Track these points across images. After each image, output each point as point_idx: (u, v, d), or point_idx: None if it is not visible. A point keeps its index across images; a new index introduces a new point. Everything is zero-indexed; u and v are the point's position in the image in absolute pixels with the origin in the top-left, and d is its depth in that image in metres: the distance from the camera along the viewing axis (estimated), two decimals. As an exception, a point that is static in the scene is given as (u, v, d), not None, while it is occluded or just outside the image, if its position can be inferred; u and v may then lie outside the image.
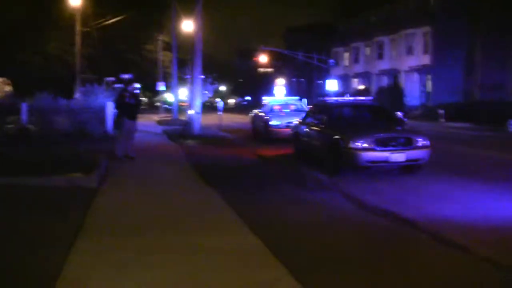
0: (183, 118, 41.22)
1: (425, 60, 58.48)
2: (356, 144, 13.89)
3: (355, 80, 73.60)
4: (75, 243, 7.47)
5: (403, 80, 60.37)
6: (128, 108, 17.30)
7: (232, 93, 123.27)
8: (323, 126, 16.20)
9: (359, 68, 72.79)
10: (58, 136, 20.98)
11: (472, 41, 53.89)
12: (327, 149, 15.11)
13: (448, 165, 16.50)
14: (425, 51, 58.97)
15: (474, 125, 38.09)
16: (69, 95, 32.77)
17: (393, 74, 62.90)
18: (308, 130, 17.32)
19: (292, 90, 76.97)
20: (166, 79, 57.17)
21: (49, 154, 14.68)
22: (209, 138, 25.57)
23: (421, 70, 59.42)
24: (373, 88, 63.39)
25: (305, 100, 29.52)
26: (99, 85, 29.34)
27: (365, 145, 13.90)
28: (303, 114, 20.16)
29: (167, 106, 69.24)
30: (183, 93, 55.64)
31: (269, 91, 57.90)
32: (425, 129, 23.91)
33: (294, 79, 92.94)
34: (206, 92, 38.74)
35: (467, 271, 6.62)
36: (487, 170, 15.60)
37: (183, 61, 46.86)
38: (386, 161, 14.02)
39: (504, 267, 6.64)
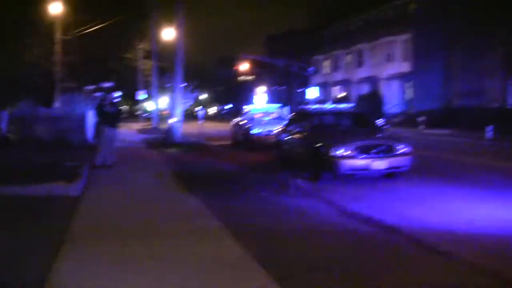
0: (164, 126, 41.17)
1: (405, 67, 58.86)
2: (338, 151, 13.93)
3: (335, 88, 73.88)
4: (60, 251, 7.42)
5: (383, 88, 60.74)
6: (109, 117, 17.26)
7: (213, 101, 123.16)
8: (305, 133, 16.24)
9: (339, 75, 73.10)
10: (39, 145, 20.86)
11: (450, 48, 54.30)
12: (309, 157, 15.15)
13: (430, 171, 16.57)
14: (405, 59, 59.38)
15: (454, 132, 38.36)
16: (49, 103, 32.58)
17: (373, 81, 63.27)
18: (290, 137, 17.36)
19: (273, 98, 77.19)
20: (146, 87, 57.04)
21: (29, 163, 14.61)
22: (191, 146, 25.56)
23: (401, 77, 59.80)
24: (353, 96, 63.69)
25: (287, 108, 29.61)
26: (79, 93, 29.21)
27: (347, 152, 13.94)
28: (284, 122, 20.22)
29: (147, 114, 69.11)
30: (163, 101, 55.59)
31: (249, 99, 58.07)
32: (405, 136, 24.00)
33: (274, 87, 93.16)
34: (187, 100, 38.70)
35: (451, 278, 6.64)
36: (467, 176, 15.71)
37: (164, 70, 46.80)
38: (367, 168, 14.06)
39: (488, 273, 6.67)
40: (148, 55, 52.63)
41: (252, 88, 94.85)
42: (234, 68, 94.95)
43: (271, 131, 22.21)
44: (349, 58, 71.40)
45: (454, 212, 10.45)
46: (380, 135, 16.01)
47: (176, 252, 7.54)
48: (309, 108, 19.90)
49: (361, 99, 56.38)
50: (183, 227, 9.11)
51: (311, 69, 66.67)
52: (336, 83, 73.79)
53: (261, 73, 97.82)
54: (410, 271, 6.86)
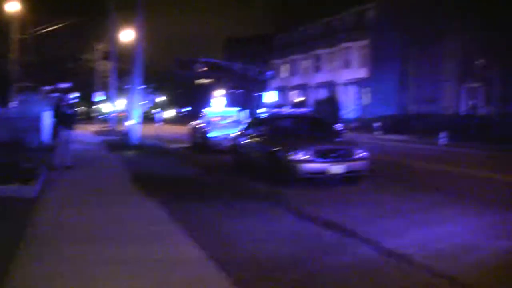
0: (121, 128, 40.85)
1: (362, 73, 59.53)
2: (296, 155, 14.04)
3: (293, 92, 74.25)
4: (16, 254, 7.34)
5: (340, 93, 61.23)
6: (65, 118, 17.13)
7: (171, 103, 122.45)
8: (263, 137, 16.31)
9: (297, 80, 73.49)
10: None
11: (406, 56, 55.12)
12: (267, 161, 15.22)
13: (385, 176, 16.84)
14: (362, 65, 60.05)
15: (408, 138, 38.90)
16: (4, 103, 32.09)
17: (331, 86, 63.76)
18: (248, 141, 17.42)
19: (231, 101, 77.12)
20: (104, 89, 56.54)
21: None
22: (149, 148, 25.43)
23: (358, 83, 60.46)
24: (311, 100, 64.08)
25: (246, 111, 29.67)
26: (36, 93, 28.83)
27: (305, 156, 14.06)
28: (242, 126, 20.29)
29: (105, 116, 68.43)
30: (121, 103, 55.06)
31: (208, 102, 57.93)
32: (362, 141, 24.30)
33: (232, 90, 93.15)
34: (145, 102, 38.49)
35: (408, 281, 6.77)
36: (422, 181, 16.02)
37: (122, 71, 46.45)
38: (326, 172, 14.19)
39: (444, 277, 6.81)
40: (106, 56, 52.20)
41: (210, 91, 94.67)
42: (193, 70, 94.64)
43: (229, 134, 22.27)
44: (307, 63, 71.86)
45: (410, 215, 10.65)
46: (338, 139, 16.18)
47: (131, 256, 7.50)
48: (268, 111, 19.99)
49: (319, 103, 56.73)
50: (140, 230, 9.09)
51: (269, 73, 66.93)
52: (294, 88, 74.16)
53: (219, 76, 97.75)
54: (367, 274, 6.97)
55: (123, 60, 46.82)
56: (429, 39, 49.02)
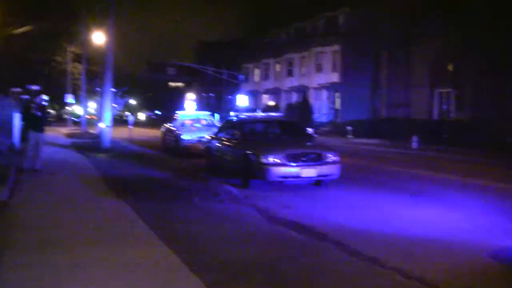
0: (92, 131, 40.60)
1: (334, 77, 59.76)
2: (268, 159, 14.08)
3: (265, 96, 74.35)
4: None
5: (312, 97, 61.48)
6: (35, 120, 16.95)
7: (142, 107, 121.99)
8: (235, 141, 16.34)
9: (269, 84, 73.58)
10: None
11: (377, 60, 55.54)
12: (239, 164, 15.26)
13: (357, 179, 16.96)
14: (334, 69, 60.27)
15: (381, 142, 39.18)
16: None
17: (303, 91, 63.96)
18: (220, 144, 17.43)
19: (202, 105, 77.07)
20: (75, 91, 56.04)
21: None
22: (120, 151, 25.29)
23: (330, 87, 60.66)
24: (283, 104, 64.28)
25: (217, 115, 29.67)
26: (5, 96, 28.47)
27: (277, 160, 14.10)
28: (215, 129, 20.28)
29: (75, 119, 67.95)
30: (92, 106, 54.76)
31: (179, 106, 57.86)
32: (333, 145, 24.43)
33: (204, 94, 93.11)
34: (116, 105, 38.32)
35: (378, 283, 6.82)
36: (393, 183, 16.16)
37: (93, 73, 46.14)
38: (297, 176, 14.25)
39: (413, 278, 6.87)
40: (78, 59, 51.75)
41: (182, 94, 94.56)
42: (165, 74, 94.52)
43: (201, 137, 22.23)
44: (278, 67, 71.99)
45: (382, 218, 10.76)
46: (310, 143, 16.23)
47: (104, 259, 7.46)
48: (240, 115, 19.98)
49: (291, 107, 57.08)
50: (112, 233, 9.04)
51: (241, 77, 66.92)
52: (266, 92, 74.25)
53: (191, 79, 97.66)
54: (334, 276, 7.02)
55: (95, 63, 46.53)
56: (401, 45, 49.43)
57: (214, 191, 13.25)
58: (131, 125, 36.73)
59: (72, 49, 53.18)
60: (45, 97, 18.04)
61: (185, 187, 14.06)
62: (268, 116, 20.26)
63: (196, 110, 44.21)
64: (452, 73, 41.87)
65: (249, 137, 16.44)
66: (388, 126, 45.09)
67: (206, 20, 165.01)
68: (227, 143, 16.85)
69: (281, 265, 7.42)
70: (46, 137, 18.24)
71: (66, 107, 72.37)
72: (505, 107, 37.56)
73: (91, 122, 47.77)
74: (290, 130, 17.69)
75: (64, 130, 48.33)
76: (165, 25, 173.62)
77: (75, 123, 60.64)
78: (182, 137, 24.79)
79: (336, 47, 59.77)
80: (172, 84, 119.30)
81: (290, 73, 68.64)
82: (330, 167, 14.56)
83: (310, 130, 25.32)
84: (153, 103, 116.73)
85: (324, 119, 58.21)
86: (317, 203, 12.71)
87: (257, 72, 77.57)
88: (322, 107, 60.81)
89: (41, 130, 17.13)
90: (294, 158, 14.26)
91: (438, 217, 11.15)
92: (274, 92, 72.13)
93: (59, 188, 14.13)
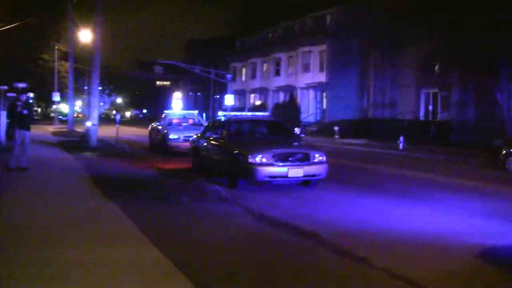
0: (79, 129, 40.43)
1: (321, 77, 59.82)
2: (255, 159, 14.08)
3: (252, 96, 74.39)
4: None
5: (299, 97, 61.52)
6: (21, 118, 16.85)
7: (129, 105, 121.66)
8: (222, 140, 16.33)
9: (256, 83, 73.62)
10: None
11: (365, 61, 55.70)
12: (226, 164, 15.26)
13: (345, 179, 17.06)
14: (321, 69, 60.33)
15: (367, 142, 39.29)
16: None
17: (290, 90, 64.02)
18: (207, 144, 17.40)
19: (189, 104, 76.97)
20: (62, 89, 55.75)
21: None
22: (107, 150, 25.22)
23: (317, 87, 60.74)
24: (270, 104, 64.27)
25: (204, 115, 29.63)
26: (-9, 93, 28.32)
27: (264, 160, 14.11)
28: (202, 128, 20.25)
29: (62, 117, 67.66)
30: (79, 104, 54.47)
31: (166, 105, 57.64)
32: (320, 145, 24.49)
33: (191, 93, 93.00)
34: (102, 104, 38.18)
35: (366, 283, 6.85)
36: (380, 183, 16.26)
37: (81, 72, 45.93)
38: (284, 176, 14.24)
39: (402, 278, 6.90)
40: (65, 56, 51.47)
41: (169, 93, 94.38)
42: (152, 72, 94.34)
43: (188, 136, 22.21)
44: (266, 66, 72.04)
45: (369, 218, 10.80)
46: (297, 143, 16.25)
47: (91, 258, 7.45)
48: (227, 115, 19.95)
49: (278, 107, 57.06)
50: (100, 233, 9.02)
51: (228, 76, 66.88)
52: (253, 91, 74.30)
53: (178, 78, 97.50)
54: (324, 276, 7.03)
55: (83, 61, 46.29)
56: (388, 45, 49.57)
57: (202, 191, 13.25)
58: (118, 123, 36.51)
59: (59, 47, 52.97)
60: (31, 95, 17.94)
61: (173, 186, 14.04)
62: (255, 116, 20.22)
63: (183, 109, 43.96)
64: (438, 74, 42.06)
65: (236, 137, 16.46)
66: (375, 126, 45.23)
67: (195, 19, 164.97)
68: (215, 143, 16.83)
69: (269, 265, 7.44)
70: (33, 136, 18.11)
71: (53, 105, 72.03)
72: (490, 109, 37.79)
73: (78, 121, 47.54)
74: (277, 130, 17.67)
75: (51, 128, 48.06)
76: (153, 23, 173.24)
77: (62, 122, 60.33)
78: (169, 136, 24.74)
79: (323, 47, 59.85)
80: (159, 82, 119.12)
81: (277, 73, 68.69)
82: (317, 167, 14.57)
83: (297, 130, 25.37)
84: (140, 101, 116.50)
85: (311, 119, 58.30)
86: (304, 203, 12.75)
87: (244, 71, 77.63)
88: (309, 107, 60.88)
89: (27, 128, 17.02)
90: (281, 158, 14.28)
91: (426, 217, 11.20)
92: (262, 92, 72.19)
93: (46, 187, 14.06)
